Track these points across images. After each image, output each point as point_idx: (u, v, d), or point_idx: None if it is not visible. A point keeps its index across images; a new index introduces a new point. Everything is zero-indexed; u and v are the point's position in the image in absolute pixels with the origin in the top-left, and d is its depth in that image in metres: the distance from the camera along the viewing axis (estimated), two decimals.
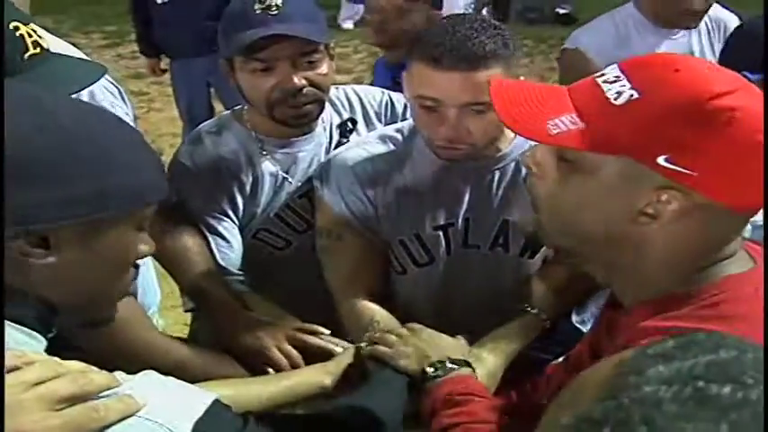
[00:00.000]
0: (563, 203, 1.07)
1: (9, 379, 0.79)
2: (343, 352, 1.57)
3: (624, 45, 2.55)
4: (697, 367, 0.58)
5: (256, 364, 1.62)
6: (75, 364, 0.86)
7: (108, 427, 0.82)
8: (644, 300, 1.07)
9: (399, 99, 2.00)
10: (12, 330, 0.91)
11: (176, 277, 1.79)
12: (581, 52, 2.60)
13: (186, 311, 1.97)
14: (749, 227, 1.51)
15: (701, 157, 0.94)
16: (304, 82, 1.73)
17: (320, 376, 1.50)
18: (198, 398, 0.91)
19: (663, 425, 0.54)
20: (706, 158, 0.94)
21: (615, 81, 0.99)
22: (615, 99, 0.98)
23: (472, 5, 4.34)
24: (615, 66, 1.03)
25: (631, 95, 0.97)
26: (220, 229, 1.83)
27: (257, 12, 1.68)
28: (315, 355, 1.61)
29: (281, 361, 1.60)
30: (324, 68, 1.77)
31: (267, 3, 1.68)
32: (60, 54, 1.56)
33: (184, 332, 3.12)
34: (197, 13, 4.53)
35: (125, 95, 2.05)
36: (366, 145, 1.78)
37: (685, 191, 0.96)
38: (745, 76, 1.00)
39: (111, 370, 0.91)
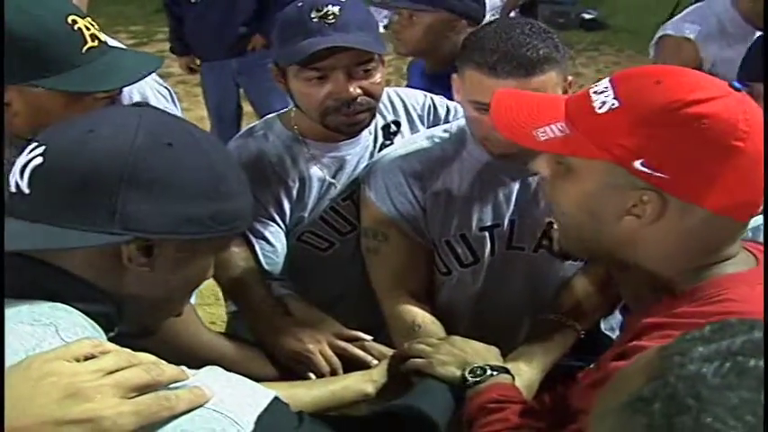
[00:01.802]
0: (560, 206, 1.17)
1: (86, 366, 0.82)
2: (385, 360, 1.57)
3: (725, 36, 2.58)
4: (734, 345, 0.63)
5: (296, 367, 1.63)
6: (147, 356, 0.88)
7: (178, 416, 0.84)
8: (645, 300, 1.13)
9: (441, 103, 1.99)
10: (81, 319, 0.95)
11: (219, 279, 1.78)
12: (686, 40, 2.62)
13: (229, 314, 1.98)
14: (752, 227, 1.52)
15: (672, 161, 1.01)
16: (359, 91, 1.71)
17: (364, 384, 1.50)
18: (260, 394, 0.93)
19: (708, 396, 0.59)
20: (678, 163, 1.01)
21: (603, 92, 1.07)
22: (599, 108, 1.06)
23: (496, 12, 4.32)
24: (607, 78, 1.10)
25: (612, 104, 1.05)
26: (266, 233, 1.82)
27: (314, 20, 1.66)
28: (353, 363, 1.61)
29: (323, 367, 1.60)
30: (377, 77, 1.75)
31: (324, 11, 1.66)
32: (116, 46, 1.58)
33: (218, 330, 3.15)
34: (230, 17, 4.55)
35: (175, 97, 2.05)
36: (413, 145, 1.78)
37: (662, 193, 1.03)
38: (732, 86, 1.05)
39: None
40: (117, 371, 0.83)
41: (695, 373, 0.61)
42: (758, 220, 1.59)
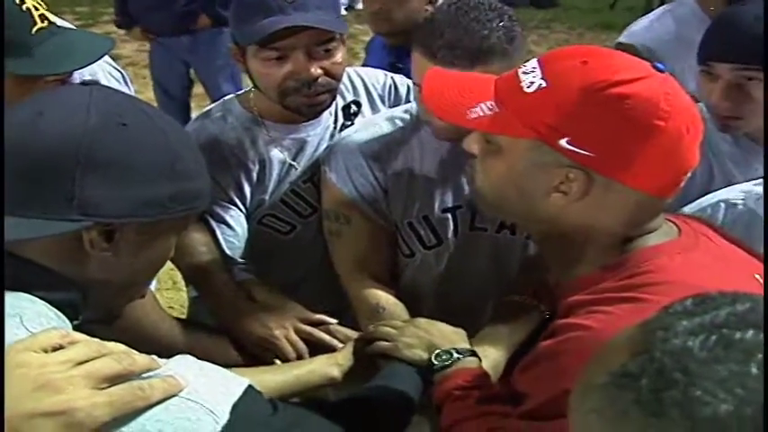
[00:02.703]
0: (487, 182, 1.19)
1: (55, 357, 0.81)
2: (351, 343, 1.56)
3: (685, 42, 2.33)
4: (718, 318, 0.63)
5: (262, 353, 1.61)
6: (117, 345, 0.87)
7: (152, 406, 0.83)
8: (571, 273, 1.17)
9: (403, 82, 1.97)
10: (45, 309, 0.93)
11: (179, 265, 1.76)
12: (637, 48, 2.44)
13: (190, 299, 1.95)
14: (750, 195, 1.54)
15: (597, 139, 1.04)
16: (320, 71, 1.68)
17: (329, 367, 1.50)
18: (234, 382, 0.93)
19: (696, 370, 0.59)
20: (602, 141, 1.04)
21: (531, 72, 1.10)
22: (527, 87, 1.09)
23: None
24: (535, 59, 1.13)
25: (540, 84, 1.07)
26: (226, 217, 1.79)
27: None
28: (318, 347, 1.61)
29: (289, 352, 1.59)
30: (339, 57, 1.72)
31: None
32: (66, 27, 1.53)
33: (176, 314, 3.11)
34: None
35: (128, 79, 2.00)
36: (374, 126, 1.76)
37: (587, 170, 1.06)
38: (655, 67, 1.08)
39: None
40: (86, 361, 0.81)
41: (681, 346, 0.61)
42: (718, 195, 1.61)
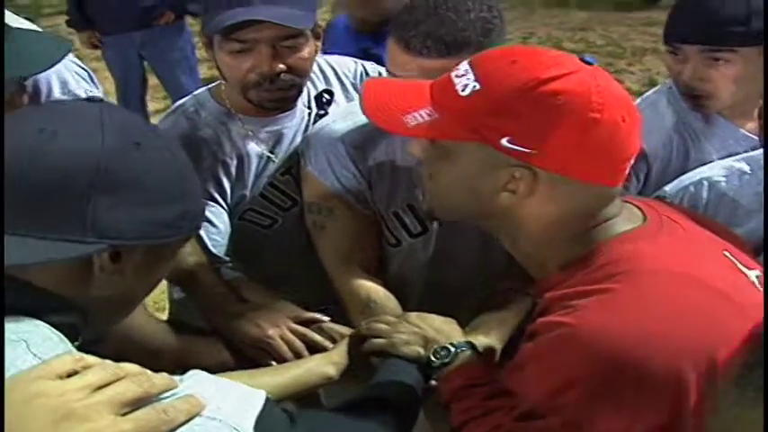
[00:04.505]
0: (436, 186, 1.21)
1: (73, 383, 0.78)
2: (345, 341, 1.54)
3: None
4: None
5: (256, 354, 1.58)
6: (132, 367, 0.84)
7: (177, 428, 0.80)
8: (544, 273, 1.19)
9: (374, 69, 1.94)
10: (48, 332, 0.90)
11: None
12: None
13: (172, 301, 1.90)
14: (732, 172, 1.53)
15: (536, 136, 1.06)
16: (282, 67, 1.65)
17: (325, 366, 1.48)
18: (252, 396, 0.90)
19: None
20: (541, 137, 1.06)
21: (464, 75, 1.11)
22: (462, 91, 1.10)
23: None
24: (466, 61, 1.14)
25: (474, 87, 1.09)
26: (209, 214, 1.74)
27: None
28: (310, 345, 1.58)
29: (285, 352, 1.56)
30: (305, 53, 1.68)
31: None
32: (21, 29, 1.46)
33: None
34: None
35: (94, 78, 1.94)
36: (351, 115, 1.71)
37: (531, 167, 1.08)
38: (583, 60, 1.10)
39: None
40: (105, 385, 0.79)
41: None
42: (699, 173, 1.61)
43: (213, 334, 1.63)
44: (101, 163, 0.91)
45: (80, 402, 0.76)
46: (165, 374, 0.85)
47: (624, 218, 1.17)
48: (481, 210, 1.16)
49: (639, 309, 1.03)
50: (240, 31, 1.59)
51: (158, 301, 2.96)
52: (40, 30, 1.72)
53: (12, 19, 1.72)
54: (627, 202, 1.23)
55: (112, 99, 5.01)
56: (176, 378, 0.87)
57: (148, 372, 0.84)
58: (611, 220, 1.15)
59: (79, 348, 0.92)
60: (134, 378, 0.81)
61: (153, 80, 4.99)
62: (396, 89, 1.24)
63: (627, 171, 1.13)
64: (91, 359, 0.83)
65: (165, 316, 2.12)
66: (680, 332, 1.02)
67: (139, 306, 1.46)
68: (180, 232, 1.01)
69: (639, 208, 1.21)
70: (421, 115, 1.13)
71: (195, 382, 0.87)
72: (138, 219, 0.94)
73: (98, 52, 5.00)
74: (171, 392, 0.83)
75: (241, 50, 1.63)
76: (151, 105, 5.12)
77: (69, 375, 0.79)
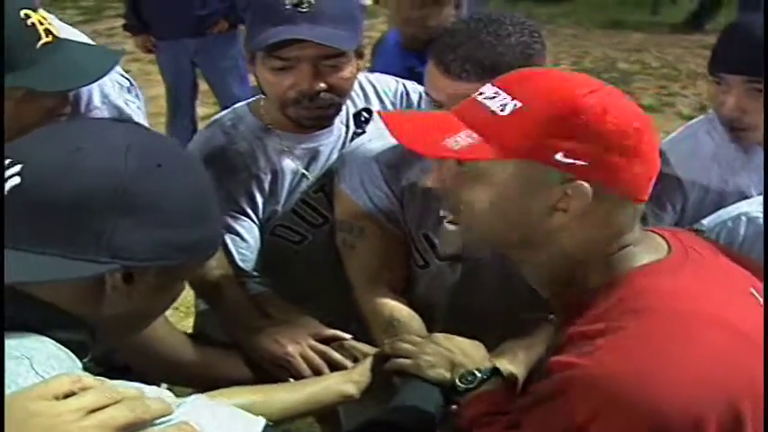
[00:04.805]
0: (471, 213, 1.15)
1: (68, 405, 0.78)
2: (367, 359, 1.53)
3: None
4: None
5: (275, 371, 1.59)
6: (129, 391, 0.84)
7: None
8: (564, 301, 1.17)
9: (415, 89, 1.94)
10: (55, 349, 0.91)
11: (191, 280, 1.68)
12: None
13: (197, 313, 1.92)
14: (743, 218, 1.51)
15: (588, 149, 1.04)
16: (322, 86, 1.65)
17: (344, 385, 1.47)
18: (251, 424, 0.91)
19: None
20: (592, 150, 1.04)
21: (494, 97, 1.10)
22: (501, 111, 1.08)
23: None
24: (489, 84, 1.14)
25: (516, 105, 1.07)
26: (239, 228, 1.76)
27: (287, 7, 1.59)
28: (330, 363, 1.59)
29: (304, 369, 1.56)
30: (346, 72, 1.68)
31: None
32: (71, 41, 1.50)
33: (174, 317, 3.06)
34: None
35: (136, 87, 1.97)
36: (388, 135, 1.71)
37: (583, 183, 1.06)
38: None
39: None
40: (99, 408, 0.79)
41: None
42: (738, 208, 1.58)
43: (235, 348, 1.64)
44: (122, 184, 0.91)
45: (73, 424, 0.76)
46: (164, 398, 0.86)
47: (647, 247, 1.14)
48: (524, 235, 1.12)
49: (655, 352, 1.00)
50: (283, 49, 1.60)
51: (188, 306, 2.99)
52: (90, 42, 1.75)
53: (69, 33, 1.76)
54: (651, 231, 1.20)
55: (163, 102, 5.12)
56: (175, 403, 0.87)
57: (147, 395, 0.85)
58: (629, 247, 1.13)
59: (88, 364, 0.94)
60: (129, 403, 0.81)
61: (203, 85, 5.06)
62: (422, 119, 1.23)
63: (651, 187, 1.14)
64: (89, 381, 0.83)
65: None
66: (698, 378, 0.98)
67: (160, 319, 1.49)
68: (195, 256, 1.02)
69: (664, 238, 1.18)
70: (462, 138, 1.10)
71: (192, 409, 0.87)
72: (154, 241, 0.94)
73: (154, 55, 5.09)
74: (166, 418, 0.83)
75: (283, 68, 1.64)
76: (201, 110, 5.18)
77: (67, 396, 0.79)
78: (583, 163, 1.04)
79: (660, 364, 0.98)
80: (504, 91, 1.10)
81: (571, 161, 1.04)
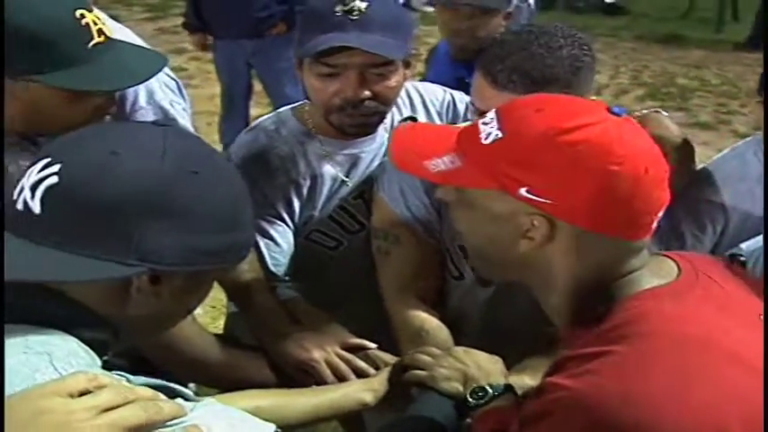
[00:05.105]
0: (462, 231, 1.22)
1: (81, 403, 0.79)
2: (387, 369, 1.55)
3: None
4: None
5: (299, 376, 1.60)
6: (144, 391, 0.85)
7: None
8: (564, 323, 1.17)
9: (462, 99, 1.94)
10: (76, 346, 0.92)
11: (222, 281, 1.72)
12: None
13: (228, 314, 1.94)
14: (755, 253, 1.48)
15: (554, 187, 1.04)
16: (367, 93, 1.65)
17: (363, 393, 1.49)
18: (261, 429, 0.92)
19: None
20: (560, 188, 1.04)
21: (489, 123, 1.11)
22: (485, 139, 1.10)
23: None
24: (494, 109, 1.14)
25: (497, 135, 1.09)
26: (273, 232, 1.77)
27: (337, 14, 1.60)
28: (353, 371, 1.60)
29: (328, 376, 1.58)
30: (392, 81, 1.68)
31: (350, 6, 1.59)
32: (122, 42, 1.53)
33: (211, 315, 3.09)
34: None
35: (182, 89, 2.00)
36: None
37: (550, 217, 1.06)
38: (611, 111, 1.09)
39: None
40: (113, 407, 0.80)
41: None
42: (759, 241, 1.55)
43: (262, 351, 1.66)
44: (156, 189, 0.92)
45: (84, 423, 0.77)
46: (178, 401, 0.87)
47: (652, 272, 1.13)
48: (503, 258, 1.15)
49: (644, 375, 0.98)
50: (330, 56, 1.61)
51: (223, 304, 3.02)
52: (141, 44, 1.78)
53: (124, 35, 1.78)
54: (664, 255, 1.19)
55: (217, 101, 5.20)
56: (188, 406, 0.88)
57: (161, 396, 0.86)
58: (634, 273, 1.11)
59: (112, 357, 0.95)
60: (142, 403, 0.82)
61: (258, 86, 5.11)
62: (424, 133, 1.26)
63: (653, 224, 1.10)
64: (105, 379, 0.84)
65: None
66: (692, 404, 0.96)
67: (188, 318, 1.50)
68: (224, 262, 1.02)
69: (676, 262, 1.17)
70: (444, 161, 1.14)
71: (205, 413, 0.88)
72: (184, 245, 0.95)
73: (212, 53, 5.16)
74: (178, 420, 0.84)
75: (329, 74, 1.64)
76: (254, 111, 5.24)
77: (82, 394, 0.80)
78: (546, 200, 1.05)
79: (648, 387, 0.97)
80: (498, 118, 1.11)
81: (534, 197, 1.05)
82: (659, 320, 1.05)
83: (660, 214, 1.10)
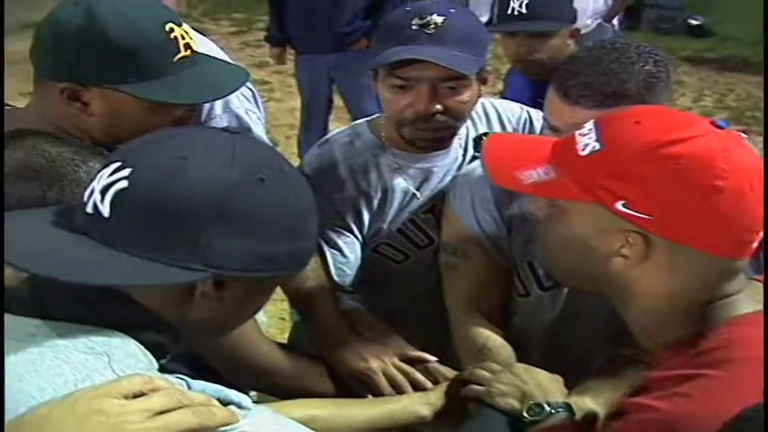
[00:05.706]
0: (547, 247, 1.19)
1: (134, 405, 0.80)
2: (445, 383, 1.55)
3: None
4: None
5: (356, 385, 1.61)
6: (198, 396, 0.86)
7: None
8: (654, 347, 1.14)
9: (539, 117, 1.92)
10: (135, 348, 0.93)
11: (287, 288, 1.76)
12: None
13: (293, 323, 1.97)
14: None
15: (654, 202, 1.01)
16: (439, 108, 1.66)
17: (420, 406, 1.49)
18: None
19: None
20: (659, 203, 1.01)
21: (587, 134, 1.09)
22: (582, 150, 1.07)
23: (600, 17, 4.24)
24: (592, 120, 1.12)
25: (594, 147, 1.06)
26: (340, 243, 1.79)
27: (414, 27, 1.61)
28: (411, 383, 1.60)
29: (385, 387, 1.58)
30: (465, 96, 1.68)
31: (426, 20, 1.61)
32: (207, 56, 1.57)
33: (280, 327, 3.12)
34: (336, 13, 4.64)
35: (258, 98, 2.05)
36: None
37: (646, 234, 1.03)
38: (715, 124, 1.05)
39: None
40: (166, 411, 0.81)
41: None
42: None
43: (323, 360, 1.67)
44: (223, 195, 0.93)
45: (135, 425, 0.78)
46: (230, 408, 0.87)
47: (749, 296, 1.09)
48: (593, 275, 1.12)
49: (736, 399, 0.95)
50: (403, 68, 1.63)
51: (287, 318, 3.04)
52: (224, 58, 1.82)
53: (208, 48, 1.83)
54: (755, 280, 1.15)
55: (297, 115, 5.27)
56: (240, 413, 0.88)
57: (214, 402, 0.86)
58: (731, 297, 1.08)
59: (162, 366, 0.96)
60: (195, 408, 0.83)
61: (338, 101, 5.17)
62: (517, 144, 1.24)
63: (754, 244, 1.06)
64: (160, 383, 0.84)
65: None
66: None
67: (252, 326, 1.53)
68: (286, 269, 1.03)
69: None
70: (538, 173, 1.11)
71: (257, 421, 0.88)
72: (247, 252, 0.95)
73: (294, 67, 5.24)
74: (230, 427, 0.85)
75: (402, 86, 1.66)
76: (334, 125, 5.29)
77: (136, 396, 0.81)
78: (645, 216, 1.02)
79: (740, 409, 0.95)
80: (596, 130, 1.09)
81: (632, 212, 1.03)
82: (757, 348, 1.01)
83: (761, 234, 1.06)
